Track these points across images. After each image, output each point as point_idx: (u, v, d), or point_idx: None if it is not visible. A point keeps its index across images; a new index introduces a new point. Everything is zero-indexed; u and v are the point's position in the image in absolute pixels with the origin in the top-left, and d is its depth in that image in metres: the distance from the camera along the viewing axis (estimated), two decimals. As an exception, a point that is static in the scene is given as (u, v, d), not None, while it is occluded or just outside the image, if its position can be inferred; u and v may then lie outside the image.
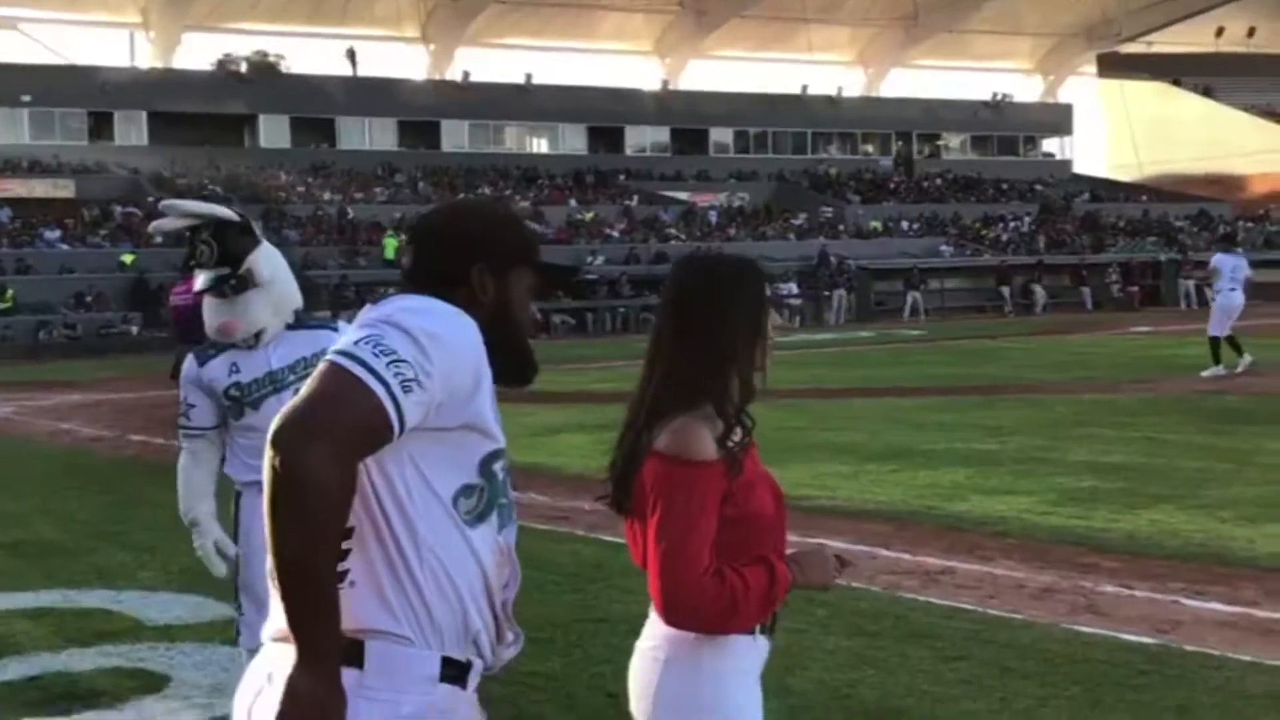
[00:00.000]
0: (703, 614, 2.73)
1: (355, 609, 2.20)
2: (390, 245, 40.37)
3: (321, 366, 2.20)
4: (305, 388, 2.18)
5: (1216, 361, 20.02)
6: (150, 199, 43.57)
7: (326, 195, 47.42)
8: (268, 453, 2.09)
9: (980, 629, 6.69)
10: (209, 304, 5.06)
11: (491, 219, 2.55)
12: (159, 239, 39.47)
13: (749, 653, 2.84)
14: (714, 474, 2.72)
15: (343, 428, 2.10)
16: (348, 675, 2.16)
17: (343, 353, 2.19)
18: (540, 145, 58.36)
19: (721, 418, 2.77)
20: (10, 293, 35.30)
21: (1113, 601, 7.25)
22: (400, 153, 53.45)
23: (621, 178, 54.84)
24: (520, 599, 7.16)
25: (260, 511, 4.33)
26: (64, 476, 13.12)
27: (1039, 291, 45.34)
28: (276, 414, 2.15)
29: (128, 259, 37.80)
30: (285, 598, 2.10)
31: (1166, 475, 11.11)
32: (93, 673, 6.37)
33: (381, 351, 2.16)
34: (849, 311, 43.04)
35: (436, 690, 2.26)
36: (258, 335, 5.11)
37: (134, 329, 34.74)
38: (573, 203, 50.25)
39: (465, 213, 2.62)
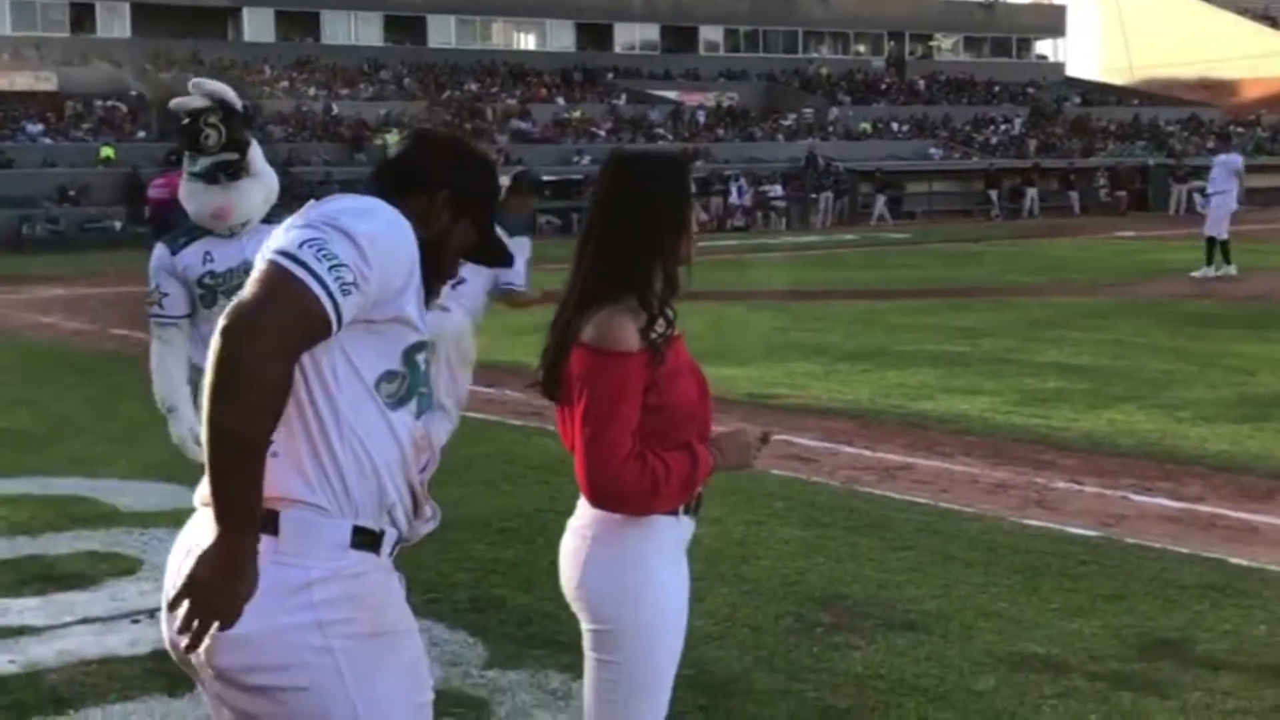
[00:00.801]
0: (624, 496, 2.87)
1: (276, 479, 2.36)
2: (394, 140, 40.12)
3: (267, 266, 2.33)
4: (251, 285, 2.31)
5: (1210, 262, 20.26)
6: (133, 93, 43.23)
7: (311, 91, 47.05)
8: (215, 343, 2.24)
9: (930, 520, 6.89)
10: (201, 189, 5.11)
11: (487, 170, 2.71)
12: (141, 133, 39.27)
13: (672, 532, 2.99)
14: (636, 364, 2.84)
15: (285, 327, 2.27)
16: (264, 543, 2.32)
17: (287, 254, 2.32)
18: (528, 42, 57.82)
19: (645, 310, 2.88)
20: (-8, 186, 35.18)
21: (1062, 496, 7.46)
22: (386, 48, 52.93)
23: (610, 76, 54.44)
24: (490, 491, 7.32)
25: None
26: (44, 369, 13.25)
27: (1031, 194, 45.18)
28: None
29: (107, 152, 37.58)
30: (213, 474, 2.26)
31: (1131, 376, 11.31)
32: (69, 556, 6.55)
33: (324, 255, 2.31)
34: (836, 214, 42.96)
35: (347, 555, 2.41)
36: (243, 224, 5.23)
37: (117, 224, 34.64)
38: (560, 101, 49.91)
39: (470, 150, 2.74)
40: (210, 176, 5.03)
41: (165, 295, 5.30)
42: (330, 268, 2.29)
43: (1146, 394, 10.43)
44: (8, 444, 9.42)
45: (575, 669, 4.89)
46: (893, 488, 7.71)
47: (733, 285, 19.40)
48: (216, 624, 2.24)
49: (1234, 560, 6.15)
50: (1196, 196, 44.73)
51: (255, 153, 5.20)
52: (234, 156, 5.06)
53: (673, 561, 3.00)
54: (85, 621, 5.59)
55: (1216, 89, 63.30)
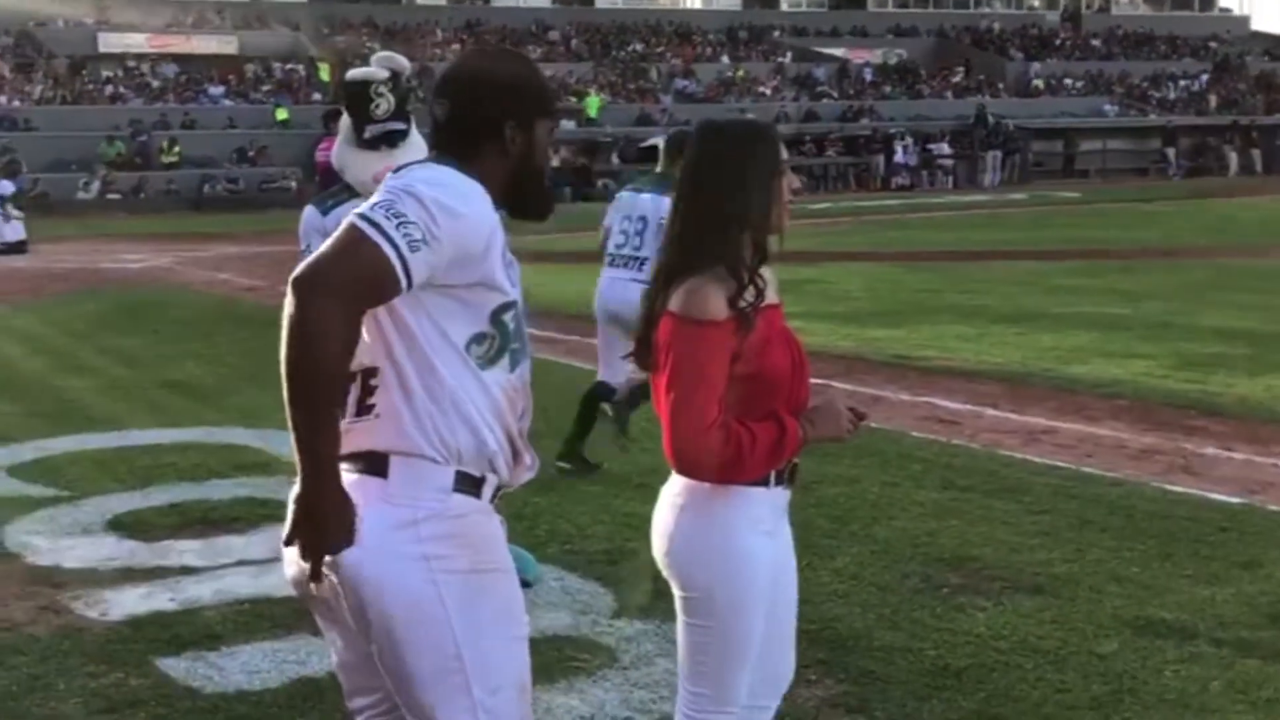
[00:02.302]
0: (706, 464, 2.88)
1: (382, 437, 2.54)
2: (593, 104, 40.68)
3: (343, 226, 2.50)
4: (326, 243, 2.48)
5: None
6: (310, 56, 44.36)
7: (481, 52, 47.68)
8: (287, 294, 2.40)
9: (1070, 485, 6.84)
10: (361, 155, 5.23)
11: (520, 74, 2.75)
12: (316, 96, 40.32)
13: (763, 502, 2.98)
14: (722, 333, 2.85)
15: (352, 281, 2.41)
16: (373, 483, 2.51)
17: (360, 215, 2.49)
18: (694, 0, 57.63)
19: (734, 279, 2.89)
20: (177, 147, 36.44)
21: (1209, 463, 7.33)
22: (554, 10, 53.29)
23: (776, 34, 54.00)
24: (631, 449, 7.41)
25: None
26: (216, 323, 13.81)
27: (1231, 154, 43.59)
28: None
29: (282, 115, 38.64)
30: (294, 424, 2.42)
31: (1295, 342, 10.99)
32: (229, 501, 6.89)
33: (393, 215, 2.46)
34: (1007, 172, 42.03)
35: (451, 498, 2.57)
36: None
37: (293, 184, 35.65)
38: (725, 59, 49.71)
39: (496, 69, 2.77)
40: (373, 144, 5.21)
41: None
42: (398, 225, 2.43)
43: (1310, 360, 10.14)
44: (180, 395, 9.91)
45: (699, 621, 5.04)
46: (1035, 451, 7.65)
47: (890, 246, 19.26)
48: (331, 553, 2.46)
49: (1382, 531, 6.00)
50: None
51: (413, 120, 5.40)
52: (402, 126, 5.21)
53: (764, 531, 3.00)
54: (242, 564, 5.90)
55: None
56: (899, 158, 40.76)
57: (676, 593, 3.05)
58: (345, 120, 5.41)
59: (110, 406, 9.53)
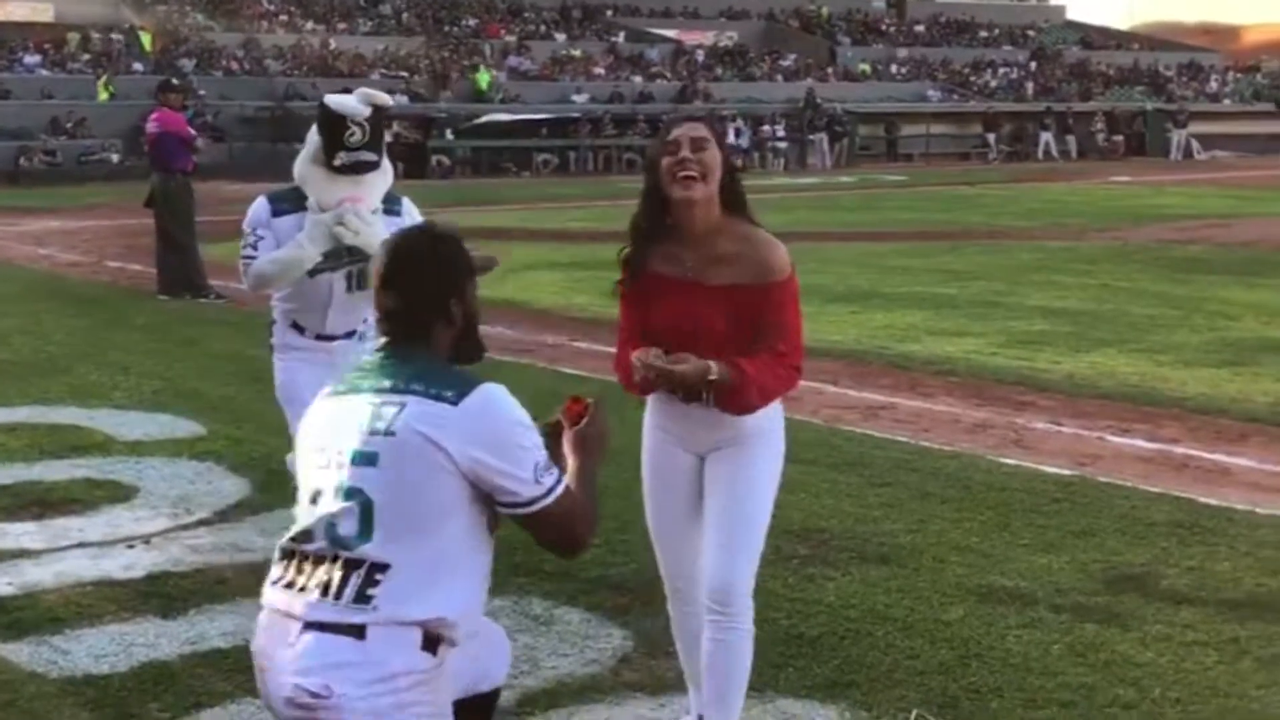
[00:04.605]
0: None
1: (373, 617, 2.75)
2: (483, 78, 40.68)
3: (539, 515, 2.91)
4: (547, 529, 2.96)
5: None
6: (130, 25, 42.97)
7: (309, 25, 46.74)
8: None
9: (909, 458, 7.05)
10: (331, 179, 5.06)
11: (452, 252, 3.06)
12: (137, 66, 39.11)
13: (658, 409, 3.86)
14: (625, 285, 3.81)
15: (579, 513, 3.00)
16: (346, 643, 2.71)
17: (543, 495, 2.91)
18: (527, -23, 57.30)
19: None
20: None
21: (1040, 436, 7.62)
22: (385, -18, 52.46)
23: (609, 14, 54.05)
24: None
25: (293, 368, 5.19)
26: (41, 299, 13.33)
27: (1045, 138, 44.94)
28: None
29: (109, 89, 37.31)
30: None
31: (1115, 320, 11.45)
32: (65, 482, 6.68)
33: (549, 468, 2.95)
34: (836, 156, 42.76)
35: (421, 655, 2.78)
36: None
37: (114, 156, 34.54)
38: (559, 38, 49.60)
39: (432, 253, 3.04)
40: (343, 170, 5.03)
41: (261, 239, 5.13)
42: (548, 469, 2.94)
43: (1129, 338, 10.57)
44: (5, 373, 9.54)
45: (557, 595, 5.08)
46: (874, 427, 7.85)
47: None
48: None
49: (1203, 500, 6.31)
50: (1194, 142, 44.99)
51: (384, 151, 5.24)
52: (374, 158, 5.08)
53: (656, 426, 3.88)
54: (81, 546, 5.74)
55: (1218, 34, 63.01)
56: (732, 139, 41.14)
57: None
58: (313, 136, 5.20)
59: (-70, 386, 9.14)
